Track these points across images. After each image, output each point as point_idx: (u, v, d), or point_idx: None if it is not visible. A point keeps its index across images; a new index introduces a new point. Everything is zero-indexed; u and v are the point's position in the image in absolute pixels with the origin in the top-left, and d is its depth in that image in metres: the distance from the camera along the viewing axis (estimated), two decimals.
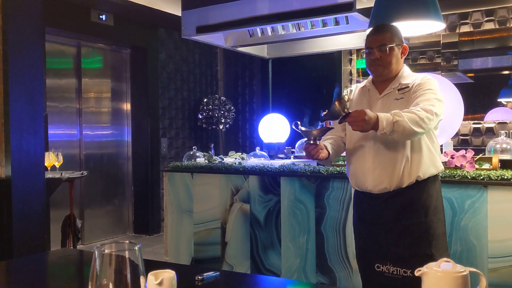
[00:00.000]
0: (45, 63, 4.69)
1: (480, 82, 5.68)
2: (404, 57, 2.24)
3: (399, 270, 2.11)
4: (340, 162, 3.77)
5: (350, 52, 6.27)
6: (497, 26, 5.43)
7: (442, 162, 2.36)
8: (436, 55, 5.78)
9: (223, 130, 6.81)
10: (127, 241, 0.86)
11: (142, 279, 0.84)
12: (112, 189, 6.07)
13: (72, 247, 4.19)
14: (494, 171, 2.74)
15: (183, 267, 2.06)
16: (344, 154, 2.39)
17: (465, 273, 1.09)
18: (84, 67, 5.70)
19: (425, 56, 5.84)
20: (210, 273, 1.45)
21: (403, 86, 2.18)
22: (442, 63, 5.75)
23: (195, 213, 3.75)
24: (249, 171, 3.48)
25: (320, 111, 2.04)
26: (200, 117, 6.59)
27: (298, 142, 4.80)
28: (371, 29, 2.36)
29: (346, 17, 3.62)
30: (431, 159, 2.16)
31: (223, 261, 3.62)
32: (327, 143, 2.25)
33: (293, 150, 4.87)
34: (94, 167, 5.76)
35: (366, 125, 1.94)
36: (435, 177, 2.19)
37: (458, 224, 2.76)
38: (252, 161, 3.92)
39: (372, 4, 3.28)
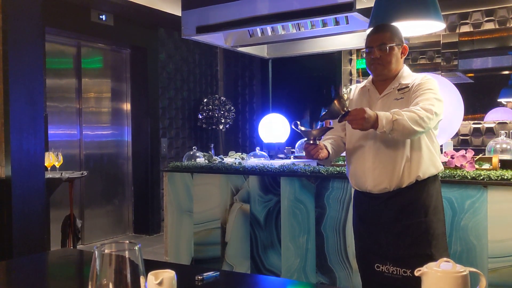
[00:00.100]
0: (45, 63, 4.69)
1: (480, 82, 5.68)
2: (404, 57, 2.25)
3: (399, 270, 2.12)
4: (340, 162, 3.77)
5: (350, 52, 6.27)
6: (497, 26, 5.43)
7: (442, 162, 2.36)
8: (436, 55, 5.78)
9: (223, 130, 6.81)
10: (127, 241, 0.86)
11: (142, 279, 0.84)
12: (112, 189, 6.07)
13: (72, 247, 4.19)
14: (494, 171, 2.74)
15: (183, 267, 2.06)
16: (344, 154, 2.39)
17: (465, 273, 1.09)
18: (84, 67, 5.70)
19: (425, 56, 5.84)
20: (210, 273, 1.45)
21: (403, 86, 2.18)
22: (442, 63, 5.75)
23: (195, 213, 3.75)
24: (249, 171, 3.48)
25: (322, 109, 2.03)
26: (200, 117, 6.59)
27: (298, 142, 4.80)
28: (371, 29, 2.36)
29: (346, 17, 3.62)
30: (431, 159, 2.16)
31: (223, 261, 3.62)
32: (327, 143, 2.25)
33: (293, 150, 4.87)
34: (94, 167, 5.76)
35: (366, 123, 1.94)
36: (435, 177, 2.19)
37: (458, 224, 2.76)
38: (252, 161, 3.92)
39: (372, 4, 3.28)
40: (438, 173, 2.23)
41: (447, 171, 2.78)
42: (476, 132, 5.56)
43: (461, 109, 3.16)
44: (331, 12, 3.44)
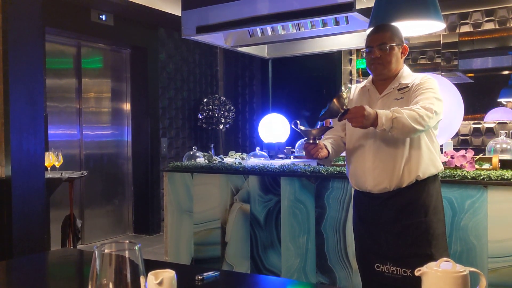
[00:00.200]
0: (45, 63, 4.69)
1: (480, 82, 5.68)
2: (404, 57, 2.25)
3: (399, 270, 2.12)
4: (340, 162, 3.77)
5: (350, 52, 6.27)
6: (497, 26, 5.43)
7: (442, 162, 2.36)
8: (436, 55, 5.78)
9: (223, 130, 6.81)
10: (127, 241, 0.86)
11: (142, 278, 0.84)
12: (112, 189, 6.07)
13: (72, 247, 4.19)
14: (494, 171, 2.74)
15: (183, 267, 2.06)
16: (344, 154, 2.39)
17: (465, 273, 1.09)
18: (84, 67, 5.70)
19: (425, 56, 5.84)
20: (210, 273, 1.45)
21: (403, 86, 2.19)
22: (442, 63, 5.75)
23: (195, 213, 3.75)
24: (249, 171, 3.48)
25: (322, 110, 2.03)
26: (200, 117, 6.60)
27: (298, 142, 4.80)
28: (371, 28, 2.36)
29: (346, 17, 3.62)
30: (431, 159, 2.16)
31: (223, 261, 3.62)
32: (327, 142, 2.25)
33: (293, 150, 4.87)
34: (94, 167, 5.76)
35: (366, 121, 1.93)
36: (435, 177, 2.19)
37: (458, 224, 2.76)
38: (252, 161, 3.92)
39: (372, 4, 3.28)
40: (438, 173, 2.23)
41: (447, 171, 2.78)
42: (476, 132, 5.56)
43: (461, 109, 3.16)
44: (331, 12, 3.44)
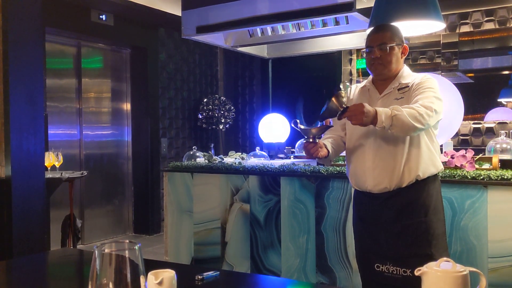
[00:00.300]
0: (45, 63, 4.69)
1: (480, 82, 5.68)
2: (404, 57, 2.25)
3: (399, 270, 2.11)
4: (340, 162, 3.77)
5: (350, 52, 6.27)
6: (497, 26, 5.43)
7: (442, 162, 2.36)
8: (436, 55, 5.78)
9: (223, 130, 6.81)
10: (127, 241, 0.86)
11: (142, 278, 0.84)
12: (112, 189, 6.07)
13: (72, 247, 4.19)
14: (494, 171, 2.74)
15: (183, 266, 2.06)
16: (344, 153, 2.39)
17: (465, 272, 1.09)
18: (84, 67, 5.70)
19: (425, 56, 5.84)
20: (210, 273, 1.45)
21: (403, 86, 2.19)
22: (442, 63, 5.75)
23: (195, 213, 3.75)
24: (249, 171, 3.48)
25: (322, 108, 2.02)
26: (200, 117, 6.60)
27: (298, 142, 4.80)
28: (371, 28, 2.36)
29: (346, 17, 3.62)
30: (431, 159, 2.16)
31: (223, 261, 3.62)
32: (326, 142, 2.25)
33: (293, 150, 4.87)
34: (94, 167, 5.76)
35: (366, 118, 1.93)
36: (435, 176, 2.19)
37: (458, 224, 2.76)
38: (252, 161, 3.92)
39: (372, 4, 3.28)
40: (438, 173, 2.23)
41: (447, 171, 2.78)
42: (476, 132, 5.56)
43: (461, 109, 3.16)
44: (331, 12, 3.43)
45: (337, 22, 3.74)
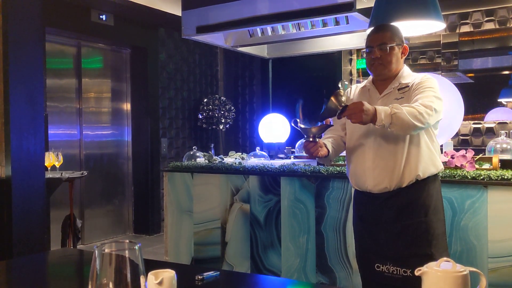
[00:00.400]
0: (45, 63, 4.69)
1: (480, 82, 5.68)
2: (404, 57, 2.25)
3: (399, 270, 2.11)
4: (340, 162, 3.77)
5: (350, 52, 6.27)
6: (497, 26, 5.43)
7: (442, 162, 2.36)
8: (436, 55, 5.78)
9: (223, 130, 6.81)
10: (127, 241, 0.86)
11: (142, 278, 0.84)
12: (112, 189, 6.07)
13: (72, 247, 4.19)
14: (494, 171, 2.74)
15: (183, 267, 2.06)
16: (344, 153, 2.39)
17: (465, 272, 1.09)
18: (84, 67, 5.70)
19: (425, 56, 5.84)
20: (210, 273, 1.45)
21: (403, 86, 2.19)
22: (442, 63, 5.75)
23: (195, 213, 3.75)
24: (249, 171, 3.48)
25: (323, 106, 2.02)
26: (200, 117, 6.59)
27: (298, 142, 4.80)
28: (371, 28, 2.36)
29: (346, 17, 3.62)
30: (431, 159, 2.16)
31: (223, 261, 3.62)
32: (327, 141, 2.25)
33: (293, 150, 4.86)
34: (94, 167, 5.76)
35: (365, 116, 1.93)
36: (435, 176, 2.19)
37: (458, 224, 2.76)
38: (252, 161, 3.92)
39: (372, 4, 3.28)
40: (438, 173, 2.23)
41: (447, 171, 2.78)
42: (476, 132, 5.56)
43: (461, 109, 3.16)
44: (331, 12, 3.43)
45: (337, 22, 3.74)
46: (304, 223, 3.28)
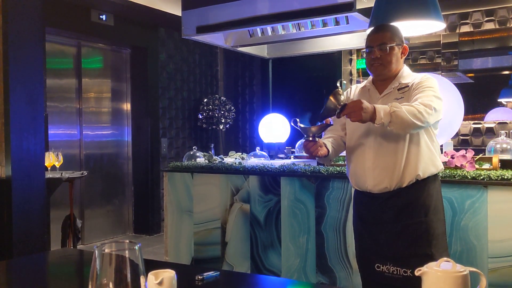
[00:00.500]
0: (45, 63, 4.69)
1: (480, 82, 5.68)
2: (404, 57, 2.25)
3: (399, 270, 2.11)
4: (340, 162, 3.76)
5: (350, 52, 6.27)
6: (497, 26, 5.43)
7: (442, 162, 2.36)
8: (436, 55, 5.78)
9: (223, 130, 6.81)
10: (127, 241, 0.86)
11: (142, 278, 0.84)
12: (112, 189, 6.07)
13: (72, 247, 4.19)
14: (494, 171, 2.74)
15: (183, 267, 2.06)
16: (344, 153, 2.39)
17: (465, 272, 1.09)
18: (84, 67, 5.70)
19: (425, 56, 5.84)
20: (210, 273, 1.45)
21: (403, 86, 2.19)
22: (442, 63, 5.75)
23: (195, 213, 3.75)
24: (249, 171, 3.48)
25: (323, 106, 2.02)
26: (200, 117, 6.60)
27: (298, 142, 4.80)
28: (371, 28, 2.36)
29: (346, 17, 3.62)
30: (431, 159, 2.16)
31: (223, 261, 3.62)
32: (327, 141, 2.25)
33: (293, 150, 4.86)
34: (94, 167, 5.76)
35: (365, 114, 1.93)
36: (435, 176, 2.19)
37: (458, 224, 2.76)
38: (252, 161, 3.92)
39: (372, 4, 3.28)
40: (438, 173, 2.23)
41: (447, 171, 2.78)
42: (476, 132, 5.56)
43: (461, 109, 3.16)
44: (331, 12, 3.43)
45: (337, 22, 3.74)
46: (304, 223, 3.28)
